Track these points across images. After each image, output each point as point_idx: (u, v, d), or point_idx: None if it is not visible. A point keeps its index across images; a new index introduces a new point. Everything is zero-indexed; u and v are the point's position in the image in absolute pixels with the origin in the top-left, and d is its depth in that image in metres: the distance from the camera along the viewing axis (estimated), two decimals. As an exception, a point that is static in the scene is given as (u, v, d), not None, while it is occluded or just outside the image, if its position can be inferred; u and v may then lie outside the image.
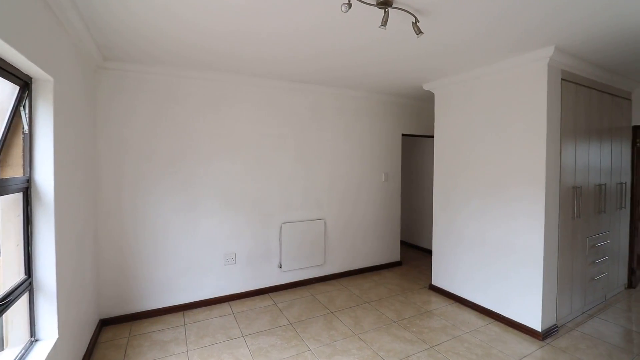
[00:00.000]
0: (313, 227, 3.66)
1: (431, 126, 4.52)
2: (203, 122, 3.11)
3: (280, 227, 3.49)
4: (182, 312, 3.02)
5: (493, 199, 2.93)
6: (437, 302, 3.29)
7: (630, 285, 3.64)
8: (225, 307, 3.13)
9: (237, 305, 3.17)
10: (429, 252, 4.86)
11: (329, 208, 3.83)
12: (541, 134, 2.55)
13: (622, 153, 3.43)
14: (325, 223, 3.79)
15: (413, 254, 5.02)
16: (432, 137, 4.36)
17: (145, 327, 2.77)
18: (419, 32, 1.94)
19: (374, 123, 4.15)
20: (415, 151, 5.38)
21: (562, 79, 2.64)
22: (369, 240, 4.16)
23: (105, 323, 2.78)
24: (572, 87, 2.75)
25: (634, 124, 3.54)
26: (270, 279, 3.48)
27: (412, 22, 1.91)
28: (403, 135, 4.46)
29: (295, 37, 2.25)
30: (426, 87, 3.59)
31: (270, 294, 3.44)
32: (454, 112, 3.33)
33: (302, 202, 3.65)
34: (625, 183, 3.49)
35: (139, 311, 2.91)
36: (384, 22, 1.83)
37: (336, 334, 2.64)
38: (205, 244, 3.15)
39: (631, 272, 3.63)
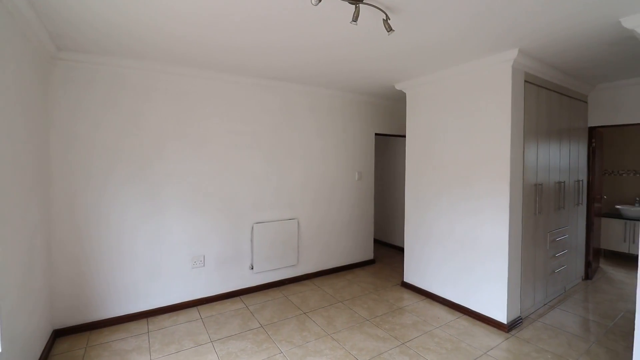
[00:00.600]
0: (286, 227, 3.60)
1: (404, 126, 4.58)
2: (168, 119, 2.96)
3: (252, 228, 3.40)
4: (146, 319, 2.86)
5: (461, 196, 3.00)
6: (409, 298, 3.33)
7: (587, 277, 3.86)
8: (193, 312, 3.00)
9: (206, 310, 3.04)
10: (401, 250, 4.93)
11: (302, 207, 3.78)
12: (506, 133, 2.64)
13: (579, 152, 3.63)
14: (298, 223, 3.73)
15: (386, 252, 5.07)
16: (405, 136, 4.42)
17: (105, 336, 2.59)
18: (389, 29, 1.93)
19: (348, 122, 4.15)
20: (388, 150, 5.45)
21: (525, 81, 2.75)
22: (342, 240, 4.15)
23: (59, 334, 2.57)
24: (534, 89, 2.88)
25: (589, 125, 3.77)
26: (241, 281, 3.38)
27: (383, 20, 1.91)
28: (376, 134, 4.49)
29: (262, 25, 2.17)
30: (398, 86, 3.62)
31: (241, 296, 3.34)
32: (425, 112, 3.39)
33: (274, 201, 3.57)
34: (582, 181, 3.71)
35: (98, 319, 2.72)
36: (355, 18, 1.81)
37: (309, 335, 2.60)
38: (172, 246, 3.00)
39: (588, 264, 3.86)
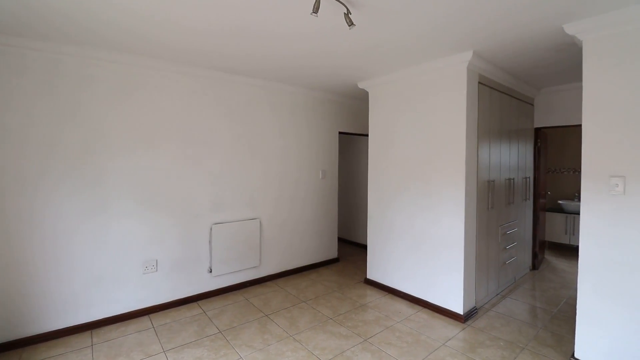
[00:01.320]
0: (247, 227, 3.47)
1: (367, 125, 4.63)
2: (116, 111, 2.72)
3: (211, 229, 3.24)
4: (90, 332, 2.60)
5: (421, 192, 3.08)
6: (371, 295, 3.35)
7: (534, 267, 4.15)
8: (144, 321, 2.78)
9: (159, 318, 2.84)
10: (365, 248, 4.98)
11: (265, 207, 3.67)
12: (461, 132, 2.74)
13: (527, 152, 3.89)
14: (260, 222, 3.62)
15: (350, 250, 5.10)
16: (368, 135, 4.47)
17: (40, 352, 2.31)
18: (350, 23, 1.91)
19: (312, 120, 4.10)
20: (352, 149, 5.49)
21: (479, 82, 2.88)
22: (306, 239, 4.10)
23: (-17, 354, 2.26)
24: (487, 90, 3.02)
25: (535, 126, 4.05)
26: (199, 285, 3.20)
27: (344, 13, 1.89)
28: (340, 133, 4.50)
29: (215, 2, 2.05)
30: (361, 85, 3.65)
31: (199, 301, 3.16)
32: (386, 111, 3.44)
33: (234, 201, 3.43)
34: (529, 178, 3.97)
35: (33, 334, 2.42)
36: (315, 10, 1.76)
37: (270, 338, 2.51)
38: (120, 251, 2.76)
39: (534, 256, 4.14)
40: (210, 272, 3.24)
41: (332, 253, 4.42)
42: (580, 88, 3.50)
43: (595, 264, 2.05)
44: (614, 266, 1.98)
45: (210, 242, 3.24)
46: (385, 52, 2.65)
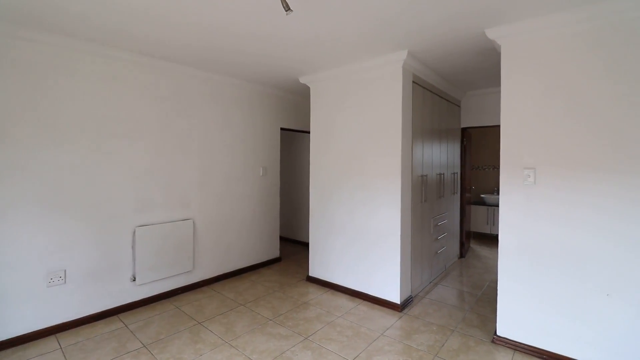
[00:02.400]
0: (178, 229, 3.17)
1: (309, 121, 4.59)
2: (15, 97, 2.26)
3: (134, 232, 2.88)
4: (-28, 362, 2.12)
5: (359, 187, 3.12)
6: (313, 292, 3.31)
7: (461, 255, 4.51)
8: (50, 342, 2.35)
9: (68, 337, 2.43)
10: (308, 245, 4.95)
11: (199, 206, 3.39)
12: (398, 129, 2.84)
13: (455, 149, 4.21)
14: (194, 223, 3.34)
15: (293, 249, 5.01)
16: (310, 132, 4.43)
17: None
18: (287, 9, 1.81)
19: (252, 115, 3.92)
20: (294, 146, 5.41)
21: (413, 82, 3.01)
22: (245, 239, 3.90)
23: None
24: (421, 90, 3.18)
25: (462, 126, 4.41)
26: (119, 296, 2.82)
27: (278, -4, 1.79)
28: (282, 129, 4.38)
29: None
30: (302, 80, 3.58)
31: (120, 314, 2.79)
32: (328, 107, 3.43)
33: (163, 200, 3.11)
34: (457, 173, 4.31)
35: None
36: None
37: (203, 347, 2.30)
38: (15, 259, 2.30)
39: (462, 245, 4.51)
40: (134, 280, 2.88)
41: (274, 252, 4.29)
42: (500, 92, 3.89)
43: (512, 249, 2.26)
44: (527, 250, 2.20)
45: (133, 246, 2.88)
46: (325, 45, 2.62)
